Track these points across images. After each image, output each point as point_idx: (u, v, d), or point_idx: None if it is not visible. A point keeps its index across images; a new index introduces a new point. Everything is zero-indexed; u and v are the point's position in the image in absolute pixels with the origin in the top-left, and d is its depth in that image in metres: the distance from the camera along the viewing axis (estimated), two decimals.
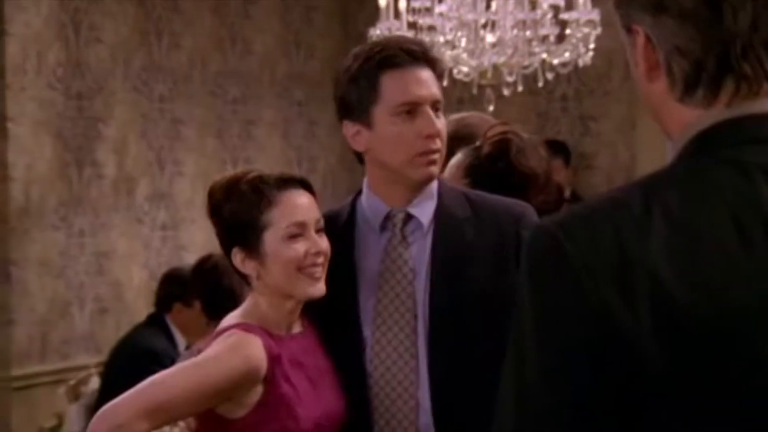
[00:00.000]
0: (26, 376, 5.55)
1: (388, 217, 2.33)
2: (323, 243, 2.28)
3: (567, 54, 4.84)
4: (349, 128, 2.33)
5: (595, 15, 4.84)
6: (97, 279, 5.93)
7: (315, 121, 7.27)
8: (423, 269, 2.29)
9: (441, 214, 2.32)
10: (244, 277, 2.33)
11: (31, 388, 5.55)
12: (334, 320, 2.33)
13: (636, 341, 1.16)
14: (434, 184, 2.34)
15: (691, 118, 1.26)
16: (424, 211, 2.32)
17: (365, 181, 2.39)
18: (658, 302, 1.16)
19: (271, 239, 2.25)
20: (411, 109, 2.25)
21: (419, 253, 2.31)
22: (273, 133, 6.99)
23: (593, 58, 4.96)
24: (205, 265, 4.08)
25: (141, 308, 5.89)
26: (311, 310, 2.34)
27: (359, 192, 2.39)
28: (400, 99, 2.24)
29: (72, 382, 5.00)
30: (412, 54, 2.27)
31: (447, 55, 4.74)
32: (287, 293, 2.27)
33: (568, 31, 4.86)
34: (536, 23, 4.83)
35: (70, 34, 5.78)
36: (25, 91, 5.55)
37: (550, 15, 4.86)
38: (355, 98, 2.29)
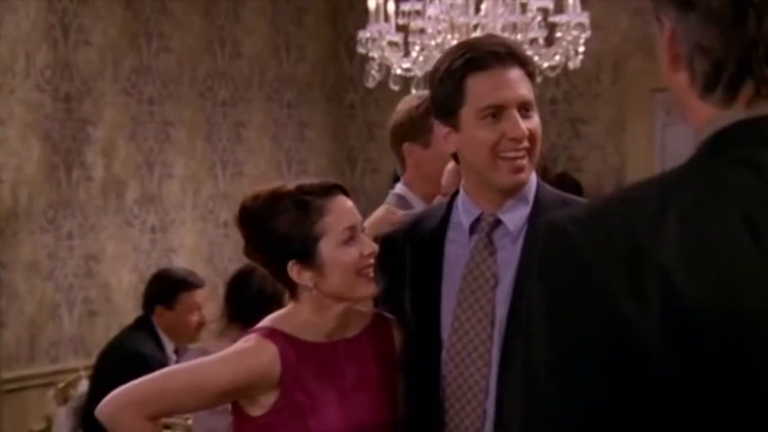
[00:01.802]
0: (15, 379, 5.53)
1: (477, 221, 2.29)
2: (373, 243, 2.32)
3: (557, 57, 4.85)
4: (440, 129, 2.32)
5: (584, 18, 4.85)
6: (86, 281, 5.91)
7: (305, 124, 7.27)
8: (508, 276, 2.25)
9: (535, 221, 2.26)
10: (291, 288, 2.33)
11: (20, 391, 5.53)
12: (416, 319, 2.32)
13: (644, 337, 1.16)
14: (531, 189, 2.30)
15: (710, 115, 1.26)
16: (514, 216, 2.27)
17: (461, 184, 2.36)
18: (668, 300, 1.16)
19: (326, 248, 2.26)
20: (496, 112, 2.22)
21: (506, 259, 2.26)
22: (263, 136, 6.99)
23: (582, 60, 4.96)
24: (246, 272, 3.97)
25: (130, 311, 5.87)
26: (398, 304, 2.35)
27: (457, 192, 2.37)
28: (484, 102, 2.22)
29: (61, 385, 4.99)
30: (498, 55, 2.23)
31: (437, 58, 4.74)
32: (345, 297, 2.30)
33: (558, 34, 4.87)
34: (526, 26, 4.84)
35: (58, 35, 5.77)
36: (14, 93, 5.54)
37: (539, 18, 4.86)
38: (442, 100, 2.28)
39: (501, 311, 2.24)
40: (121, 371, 4.51)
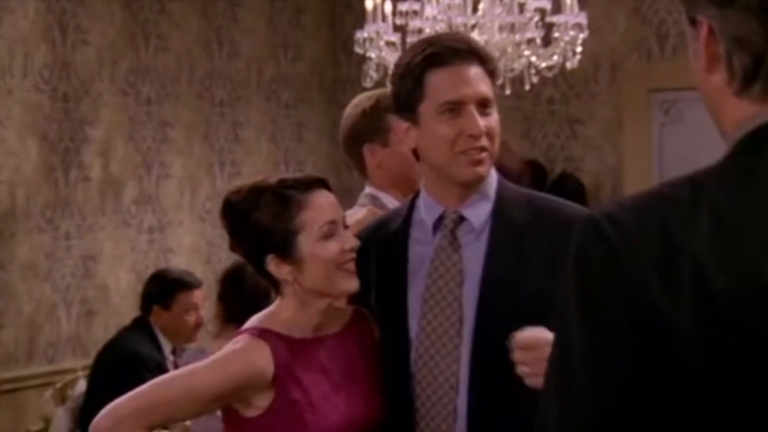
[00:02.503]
0: (13, 379, 5.53)
1: (441, 218, 2.30)
2: (354, 238, 2.31)
3: (555, 57, 4.85)
4: (400, 125, 2.32)
5: (582, 18, 4.85)
6: (84, 282, 5.91)
7: (303, 124, 7.27)
8: (475, 273, 2.26)
9: (497, 217, 2.28)
10: (275, 284, 2.33)
11: (18, 392, 5.53)
12: (384, 321, 2.33)
13: (677, 329, 1.18)
14: (492, 185, 2.31)
15: (747, 113, 1.27)
16: (478, 212, 2.28)
17: (422, 182, 2.37)
18: (701, 292, 1.17)
19: (305, 241, 2.26)
20: (454, 108, 2.22)
21: (472, 256, 2.27)
22: (260, 136, 6.99)
23: (580, 61, 4.97)
24: (237, 269, 3.97)
25: (128, 311, 5.87)
26: (365, 306, 2.36)
27: (418, 192, 2.37)
28: (443, 97, 2.22)
29: (59, 386, 4.99)
30: (458, 51, 2.24)
31: None
32: (325, 292, 2.29)
33: (556, 34, 4.87)
34: (523, 26, 4.84)
35: (56, 36, 5.77)
36: (12, 93, 5.54)
37: (536, 18, 4.87)
38: (402, 95, 2.29)
39: (469, 308, 2.24)
40: (119, 372, 4.54)
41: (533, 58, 4.89)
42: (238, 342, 2.29)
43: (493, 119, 2.26)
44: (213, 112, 6.68)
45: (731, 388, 1.18)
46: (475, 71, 2.25)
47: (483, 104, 2.24)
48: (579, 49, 4.88)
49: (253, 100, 6.94)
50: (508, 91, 4.91)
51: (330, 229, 2.27)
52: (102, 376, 4.67)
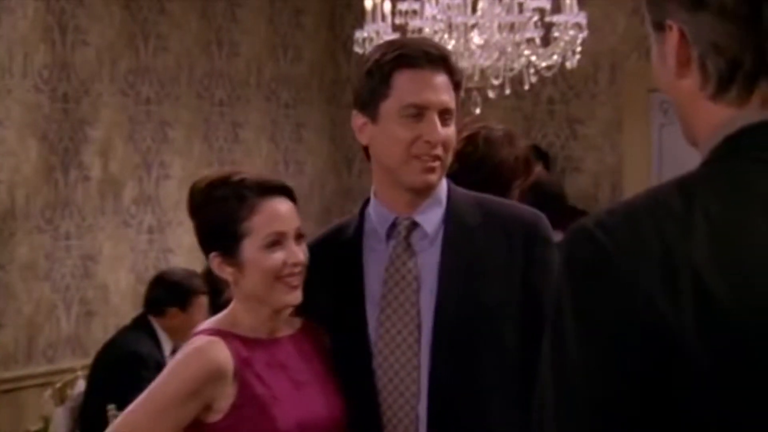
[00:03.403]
0: (12, 379, 5.53)
1: (393, 225, 2.28)
2: (301, 253, 2.26)
3: (555, 57, 4.85)
4: (358, 119, 2.31)
5: (581, 18, 4.85)
6: (84, 282, 5.91)
7: (302, 124, 7.27)
8: (430, 279, 2.25)
9: (450, 222, 2.27)
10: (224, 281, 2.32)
11: (17, 391, 5.53)
12: (341, 330, 2.30)
13: (679, 337, 1.17)
14: (443, 190, 2.29)
15: (723, 117, 1.26)
16: (430, 218, 2.27)
17: (372, 189, 2.35)
18: (701, 300, 1.17)
19: (249, 247, 2.23)
20: (418, 113, 2.21)
21: (427, 262, 2.26)
22: (260, 136, 6.99)
23: (579, 61, 4.96)
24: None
25: (127, 311, 5.87)
26: (320, 319, 2.33)
27: (368, 201, 2.35)
28: (408, 99, 2.21)
29: (58, 385, 4.99)
30: (430, 56, 2.23)
31: None
32: (263, 301, 2.26)
33: (556, 34, 4.87)
34: (523, 26, 4.84)
35: (56, 36, 5.77)
36: (11, 93, 5.54)
37: (536, 18, 4.86)
38: (367, 90, 2.27)
39: (427, 314, 2.23)
40: (118, 371, 4.54)
41: (533, 58, 4.88)
42: (192, 343, 2.26)
43: (451, 130, 2.25)
44: (212, 112, 6.68)
45: (733, 393, 1.17)
46: (442, 79, 2.24)
47: (445, 114, 2.23)
48: (578, 48, 4.88)
49: (253, 100, 6.93)
50: (508, 91, 4.91)
51: (275, 239, 2.23)
52: (101, 375, 4.67)
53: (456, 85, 2.27)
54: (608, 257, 1.20)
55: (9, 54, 5.54)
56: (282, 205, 2.27)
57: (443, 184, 2.31)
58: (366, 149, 2.33)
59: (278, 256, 2.23)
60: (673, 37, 1.27)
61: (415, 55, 2.22)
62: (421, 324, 2.23)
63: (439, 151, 2.22)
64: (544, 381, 1.25)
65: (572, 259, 1.24)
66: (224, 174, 2.31)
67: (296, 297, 2.25)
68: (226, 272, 2.27)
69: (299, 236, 2.28)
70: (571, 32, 4.83)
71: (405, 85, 2.22)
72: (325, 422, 2.27)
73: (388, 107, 2.23)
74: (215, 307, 3.94)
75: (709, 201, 1.21)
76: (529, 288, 2.21)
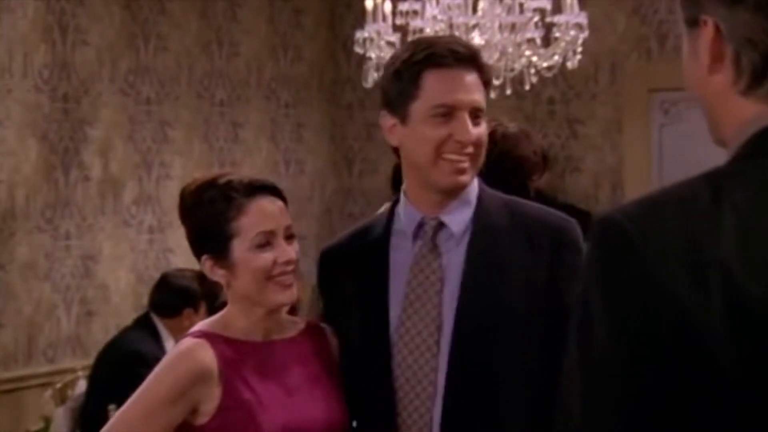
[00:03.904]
0: (12, 379, 5.53)
1: (420, 225, 2.26)
2: (292, 251, 2.25)
3: (555, 57, 4.85)
4: (387, 120, 2.28)
5: (582, 18, 4.85)
6: (84, 282, 5.91)
7: (302, 124, 7.27)
8: (454, 279, 2.22)
9: (477, 223, 2.24)
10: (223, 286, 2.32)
11: (18, 392, 5.53)
12: (365, 331, 2.28)
13: (707, 330, 1.17)
14: (473, 191, 2.27)
15: (753, 113, 1.26)
16: (457, 219, 2.25)
17: (402, 189, 2.33)
18: (729, 294, 1.16)
19: (239, 248, 2.22)
20: (447, 112, 2.19)
21: (451, 263, 2.23)
22: (260, 136, 6.99)
23: (580, 61, 4.96)
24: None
25: (128, 311, 5.88)
26: (342, 316, 2.32)
27: (398, 200, 2.33)
28: (438, 99, 2.19)
29: (58, 386, 4.99)
30: (459, 56, 2.21)
31: None
32: (256, 301, 2.25)
33: (557, 34, 4.87)
34: (524, 26, 4.84)
35: (56, 36, 5.77)
36: (11, 93, 5.54)
37: (536, 18, 4.86)
38: (395, 91, 2.24)
39: (448, 315, 2.21)
40: (119, 370, 4.54)
41: (534, 58, 4.88)
42: (179, 346, 2.28)
43: (482, 129, 2.24)
44: (212, 112, 6.68)
45: (760, 391, 1.17)
46: (472, 78, 2.22)
47: (475, 113, 2.22)
48: (579, 49, 4.88)
49: (253, 100, 6.93)
50: (508, 91, 4.91)
51: (264, 238, 2.22)
52: (103, 375, 4.67)
53: (486, 83, 2.26)
54: (636, 250, 1.20)
55: (9, 54, 5.54)
56: (270, 205, 2.26)
57: (474, 185, 2.28)
58: (396, 150, 2.31)
59: (268, 255, 2.22)
60: (708, 32, 1.28)
61: (444, 54, 2.20)
62: (442, 325, 2.21)
63: (470, 150, 2.20)
64: (569, 376, 1.25)
65: (600, 252, 1.24)
66: (211, 177, 2.30)
67: (289, 296, 2.25)
68: (218, 274, 2.27)
69: (290, 235, 2.27)
70: (572, 32, 4.83)
71: (434, 85, 2.20)
72: (320, 427, 2.25)
73: (418, 108, 2.21)
74: (211, 311, 3.95)
75: (737, 196, 1.21)
76: (555, 294, 2.17)
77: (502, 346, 2.19)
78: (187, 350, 2.24)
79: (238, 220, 2.22)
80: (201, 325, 2.33)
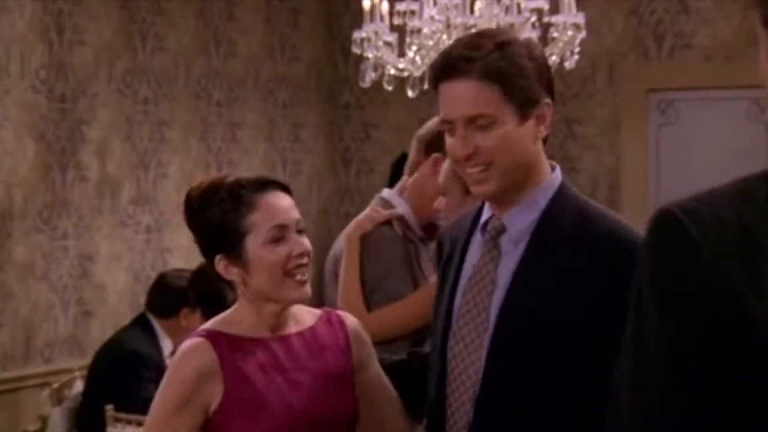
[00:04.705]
0: (9, 379, 5.52)
1: (485, 224, 2.23)
2: (306, 243, 2.27)
3: (553, 57, 4.85)
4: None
5: (579, 18, 4.85)
6: (81, 282, 5.91)
7: (300, 124, 7.27)
8: (506, 284, 2.16)
9: (541, 228, 2.16)
10: (230, 284, 2.33)
11: (15, 392, 5.53)
12: (436, 319, 2.28)
13: (759, 324, 1.16)
14: (543, 194, 2.19)
15: None
16: (518, 222, 2.18)
17: None
18: None
19: (253, 244, 2.23)
20: (450, 128, 2.20)
21: (507, 266, 2.17)
22: (257, 136, 6.98)
23: (577, 61, 4.96)
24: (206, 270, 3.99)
25: (125, 311, 5.87)
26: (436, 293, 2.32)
27: None
28: (441, 115, 2.21)
29: (55, 386, 4.98)
30: (452, 65, 2.17)
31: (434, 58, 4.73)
32: (272, 298, 2.26)
33: (554, 34, 4.87)
34: (521, 27, 4.84)
35: (53, 36, 5.76)
36: (8, 93, 5.53)
37: (534, 18, 4.86)
38: None
39: (494, 318, 2.16)
40: (117, 371, 4.54)
41: None
42: (182, 347, 2.29)
43: (489, 136, 2.15)
44: (210, 112, 6.67)
45: None
46: (463, 87, 2.16)
47: (473, 121, 2.16)
48: (577, 49, 4.88)
49: (250, 100, 6.93)
50: None
51: (278, 233, 2.24)
52: (101, 375, 4.67)
53: (499, 82, 2.14)
54: (694, 243, 1.20)
55: (6, 54, 5.53)
56: (280, 199, 2.27)
57: (550, 186, 2.21)
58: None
59: (282, 249, 2.23)
60: None
61: (444, 65, 2.17)
62: (488, 328, 2.16)
63: (477, 160, 2.15)
64: (623, 371, 1.24)
65: (657, 242, 1.24)
66: (218, 178, 2.32)
67: (304, 293, 2.26)
68: (232, 273, 2.27)
69: (300, 229, 2.29)
70: (569, 33, 4.83)
71: (441, 100, 2.18)
72: (323, 422, 2.25)
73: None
74: (207, 311, 3.94)
75: None
76: (610, 311, 1.97)
77: (541, 357, 2.11)
78: (186, 352, 2.25)
79: (250, 217, 2.23)
80: (207, 324, 2.34)
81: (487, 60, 2.14)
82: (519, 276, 2.15)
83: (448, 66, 2.15)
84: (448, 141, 2.19)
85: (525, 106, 2.18)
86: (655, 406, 1.21)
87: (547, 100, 2.24)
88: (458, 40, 2.27)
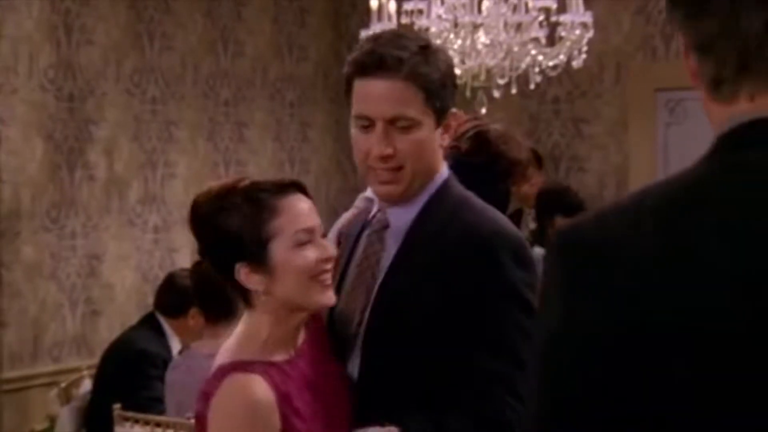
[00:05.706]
0: (18, 378, 5.54)
1: (374, 215, 2.30)
2: (332, 248, 2.20)
3: (561, 56, 4.85)
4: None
5: (587, 17, 4.84)
6: (89, 281, 5.92)
7: (307, 123, 7.27)
8: (382, 276, 2.23)
9: (416, 224, 2.22)
10: (245, 295, 2.18)
11: (23, 391, 5.54)
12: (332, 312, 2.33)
13: (660, 339, 1.16)
14: (424, 192, 2.23)
15: (721, 116, 1.26)
16: (400, 217, 2.23)
17: None
18: (644, 301, 1.17)
19: (279, 249, 2.12)
20: (367, 124, 2.19)
21: (387, 259, 2.23)
22: (265, 135, 6.99)
23: (585, 60, 4.96)
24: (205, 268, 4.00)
25: (133, 310, 5.88)
26: None
27: None
28: (355, 110, 2.21)
29: (63, 385, 4.99)
30: (377, 62, 2.17)
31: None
32: (298, 304, 2.15)
33: (562, 33, 4.87)
34: (529, 26, 4.83)
35: (61, 35, 5.77)
36: (17, 92, 5.55)
37: (541, 17, 4.86)
38: None
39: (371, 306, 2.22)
40: (125, 370, 4.54)
41: (539, 58, 4.88)
42: (225, 387, 2.09)
43: (407, 139, 2.17)
44: (217, 112, 6.68)
45: (710, 400, 1.16)
46: (385, 86, 2.18)
47: (394, 122, 2.18)
48: (584, 48, 4.88)
49: (258, 100, 6.94)
50: (513, 90, 4.91)
51: (306, 236, 2.13)
52: (108, 374, 4.67)
53: (421, 87, 2.15)
54: (595, 255, 1.21)
55: (14, 53, 5.54)
56: (302, 202, 2.19)
57: (432, 185, 2.25)
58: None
59: (310, 253, 2.13)
60: (681, 48, 1.29)
61: (365, 61, 2.19)
62: (363, 320, 2.22)
63: (393, 163, 2.18)
64: (528, 376, 1.26)
65: (560, 257, 1.25)
66: (228, 183, 2.20)
67: (330, 297, 2.17)
68: (254, 281, 2.14)
69: (323, 233, 2.21)
70: (577, 32, 4.83)
71: (355, 95, 2.20)
72: (349, 418, 2.21)
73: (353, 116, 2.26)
74: (206, 312, 3.94)
75: (659, 202, 1.23)
76: (455, 300, 2.10)
77: (406, 342, 2.14)
78: (237, 391, 2.08)
79: (274, 221, 2.12)
80: (230, 353, 2.16)
81: (413, 62, 2.15)
82: (391, 270, 2.20)
83: (374, 62, 2.15)
84: (360, 137, 2.20)
85: (440, 114, 2.20)
86: (551, 420, 1.22)
87: (454, 109, 2.27)
88: (378, 37, 2.26)
